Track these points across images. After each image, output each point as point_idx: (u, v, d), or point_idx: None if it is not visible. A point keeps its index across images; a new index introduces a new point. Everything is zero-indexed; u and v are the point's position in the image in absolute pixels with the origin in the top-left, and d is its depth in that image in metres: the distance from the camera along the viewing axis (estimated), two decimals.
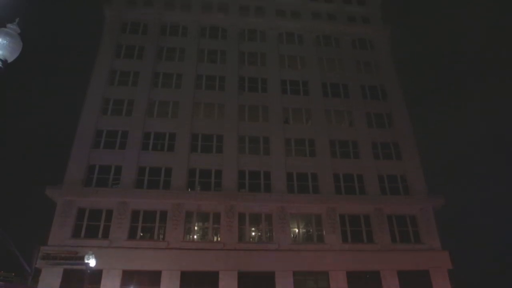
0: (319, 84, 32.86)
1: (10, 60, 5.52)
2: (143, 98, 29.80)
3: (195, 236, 25.49)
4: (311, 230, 26.55)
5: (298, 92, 32.43)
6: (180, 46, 33.53)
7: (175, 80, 31.51)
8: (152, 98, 30.09)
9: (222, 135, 28.82)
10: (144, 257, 22.86)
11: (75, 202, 24.42)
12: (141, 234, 24.85)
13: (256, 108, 30.97)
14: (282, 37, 35.86)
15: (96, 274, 20.88)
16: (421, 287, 24.31)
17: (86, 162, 26.19)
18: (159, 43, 33.35)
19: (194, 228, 25.58)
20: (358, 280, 24.17)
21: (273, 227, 25.49)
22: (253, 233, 26.46)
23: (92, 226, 24.08)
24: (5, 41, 5.46)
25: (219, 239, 24.91)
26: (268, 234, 25.68)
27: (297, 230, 26.38)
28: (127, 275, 22.64)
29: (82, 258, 18.78)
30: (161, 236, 24.53)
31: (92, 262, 17.86)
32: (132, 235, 24.18)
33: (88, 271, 17.93)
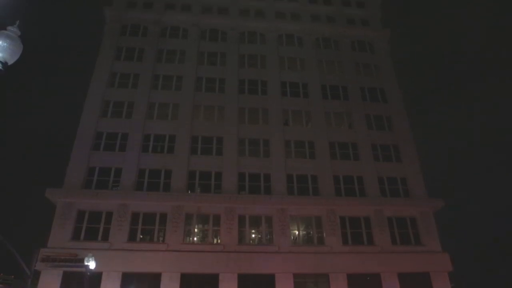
0: (318, 86, 32.91)
1: (10, 62, 5.54)
2: (143, 100, 29.84)
3: (195, 238, 25.45)
4: (311, 232, 26.50)
5: (298, 94, 32.48)
6: (180, 49, 33.60)
7: (175, 82, 31.55)
8: (152, 100, 30.13)
9: (222, 137, 28.83)
10: (144, 259, 22.80)
11: (75, 204, 24.39)
12: (141, 237, 24.81)
13: (256, 110, 30.99)
14: (281, 40, 35.94)
15: (96, 277, 20.82)
16: None
17: (86, 164, 26.20)
18: (159, 45, 33.43)
19: (194, 230, 25.54)
20: (359, 282, 24.10)
21: (273, 229, 25.45)
22: (253, 235, 26.41)
23: (92, 228, 24.04)
24: (5, 44, 5.48)
25: (219, 241, 24.86)
26: (268, 236, 25.63)
27: (297, 232, 26.34)
28: (127, 278, 22.59)
29: (82, 261, 18.76)
30: (161, 238, 24.49)
31: (92, 264, 17.83)
32: (132, 237, 24.14)
33: (88, 274, 17.87)
